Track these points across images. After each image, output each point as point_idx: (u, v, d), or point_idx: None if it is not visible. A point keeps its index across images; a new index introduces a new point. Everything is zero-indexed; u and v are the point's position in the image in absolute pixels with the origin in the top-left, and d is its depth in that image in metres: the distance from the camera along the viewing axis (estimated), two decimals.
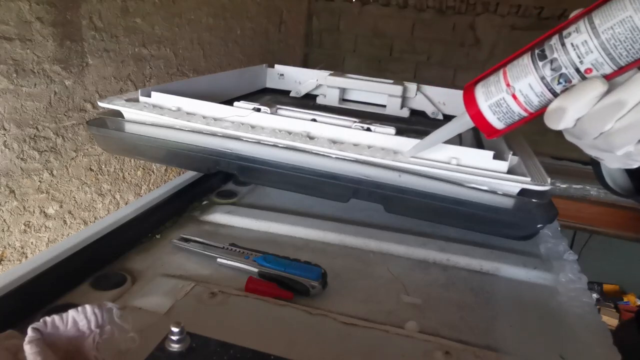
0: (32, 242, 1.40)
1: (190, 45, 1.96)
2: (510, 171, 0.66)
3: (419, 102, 1.26)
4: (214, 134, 0.75)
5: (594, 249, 2.47)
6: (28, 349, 0.37)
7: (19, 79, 1.25)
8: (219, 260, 0.70)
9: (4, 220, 1.30)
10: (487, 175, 0.65)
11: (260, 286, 0.64)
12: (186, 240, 0.75)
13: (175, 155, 0.80)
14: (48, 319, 0.40)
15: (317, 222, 0.86)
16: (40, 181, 1.38)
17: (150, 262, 0.71)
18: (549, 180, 0.65)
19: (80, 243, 0.66)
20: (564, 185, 1.31)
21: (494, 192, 0.65)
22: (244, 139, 0.74)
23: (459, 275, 0.76)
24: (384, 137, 0.71)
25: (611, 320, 2.67)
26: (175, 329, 0.48)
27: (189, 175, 0.97)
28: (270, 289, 0.64)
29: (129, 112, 0.79)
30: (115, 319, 0.43)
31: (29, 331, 0.39)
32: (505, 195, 0.65)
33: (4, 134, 1.24)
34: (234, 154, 0.74)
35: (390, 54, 3.40)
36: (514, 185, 0.64)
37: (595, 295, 2.99)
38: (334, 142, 0.71)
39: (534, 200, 0.64)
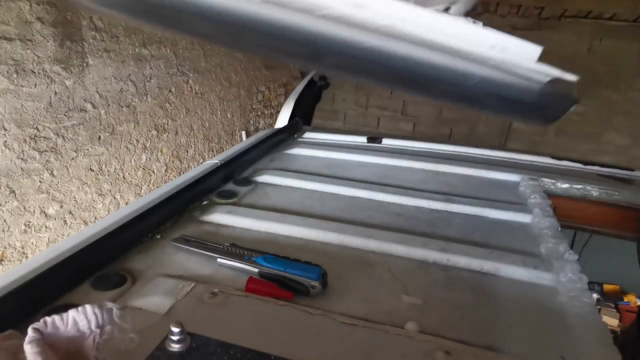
0: (32, 242, 1.40)
1: (190, 45, 1.97)
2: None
3: None
4: None
5: (595, 249, 2.46)
6: (28, 349, 0.37)
7: (20, 79, 1.25)
8: (219, 260, 0.70)
9: (5, 220, 1.30)
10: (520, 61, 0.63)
11: (261, 286, 0.64)
12: (186, 240, 0.75)
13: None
14: (48, 319, 0.40)
15: (317, 222, 0.86)
16: (40, 181, 1.38)
17: (150, 262, 0.71)
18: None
19: (80, 243, 0.66)
20: (565, 185, 1.30)
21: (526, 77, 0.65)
22: None
23: (459, 276, 0.76)
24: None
25: (611, 320, 2.67)
26: (175, 329, 0.48)
27: (189, 175, 0.97)
28: (271, 289, 0.64)
29: None
30: (116, 319, 0.43)
31: (30, 331, 0.39)
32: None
33: (5, 134, 1.24)
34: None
35: None
36: (545, 74, 0.64)
37: (595, 296, 2.99)
38: None
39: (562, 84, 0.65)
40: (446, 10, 0.78)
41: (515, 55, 0.65)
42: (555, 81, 0.65)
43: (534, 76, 0.65)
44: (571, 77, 0.63)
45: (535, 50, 0.65)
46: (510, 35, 0.67)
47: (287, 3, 0.62)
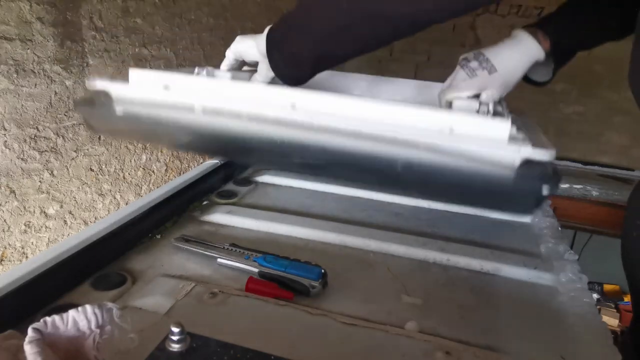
0: (32, 242, 1.40)
1: (190, 46, 1.96)
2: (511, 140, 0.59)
3: None
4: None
5: (594, 249, 2.46)
6: (28, 349, 0.37)
7: (20, 79, 1.25)
8: (219, 260, 0.70)
9: (5, 220, 1.30)
10: (485, 143, 0.58)
11: (261, 286, 0.64)
12: (186, 240, 0.75)
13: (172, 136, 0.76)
14: (48, 319, 0.40)
15: (317, 222, 0.86)
16: (40, 181, 1.38)
17: (150, 262, 0.71)
18: (554, 150, 0.61)
19: (80, 243, 0.66)
20: (565, 185, 1.31)
21: (492, 163, 0.60)
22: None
23: (459, 275, 0.76)
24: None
25: (611, 320, 2.67)
26: (175, 329, 0.48)
27: (189, 175, 0.97)
28: (271, 289, 0.64)
29: (119, 92, 0.73)
30: (116, 319, 0.43)
31: (30, 331, 0.39)
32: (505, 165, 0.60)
33: (5, 134, 1.24)
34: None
35: (391, 54, 3.40)
36: (514, 156, 0.60)
37: (595, 296, 2.98)
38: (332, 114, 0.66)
39: (538, 167, 0.60)
40: (477, 96, 0.78)
41: (477, 137, 0.59)
42: (530, 163, 0.58)
43: (503, 159, 0.58)
44: (546, 155, 0.57)
45: (504, 127, 0.59)
46: (476, 115, 0.63)
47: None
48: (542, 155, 0.57)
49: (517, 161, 0.59)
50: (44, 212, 1.42)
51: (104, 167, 1.61)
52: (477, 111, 0.75)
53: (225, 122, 0.66)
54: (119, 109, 0.71)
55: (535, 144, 0.60)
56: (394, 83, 1.17)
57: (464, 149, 0.59)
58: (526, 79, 0.84)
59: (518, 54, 0.76)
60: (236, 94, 0.69)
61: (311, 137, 0.63)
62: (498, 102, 0.78)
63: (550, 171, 0.58)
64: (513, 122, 0.62)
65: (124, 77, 0.76)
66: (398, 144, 0.61)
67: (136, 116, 0.71)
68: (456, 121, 0.60)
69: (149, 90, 0.71)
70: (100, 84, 0.73)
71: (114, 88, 0.73)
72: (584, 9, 0.82)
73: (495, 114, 0.75)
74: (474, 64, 0.77)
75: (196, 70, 0.90)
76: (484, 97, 0.77)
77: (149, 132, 0.76)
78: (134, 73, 0.74)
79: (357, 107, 0.63)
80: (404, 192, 0.78)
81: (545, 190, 0.58)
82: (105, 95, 0.74)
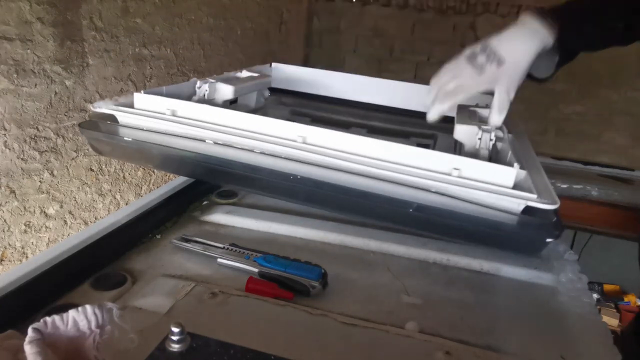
0: (32, 242, 1.40)
1: (190, 46, 1.96)
2: (516, 186, 0.61)
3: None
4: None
5: (595, 249, 2.46)
6: (28, 349, 0.37)
7: (20, 79, 1.25)
8: (219, 260, 0.70)
9: (5, 220, 1.30)
10: (490, 190, 0.59)
11: (261, 286, 0.64)
12: (186, 240, 0.75)
13: (173, 162, 0.78)
14: (48, 319, 0.41)
15: (317, 222, 0.86)
16: (40, 181, 1.38)
17: (151, 262, 0.71)
18: (557, 199, 0.59)
19: (80, 243, 0.66)
20: (564, 185, 1.30)
21: (496, 209, 0.60)
22: (243, 147, 0.70)
23: (460, 275, 0.76)
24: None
25: (611, 320, 2.67)
26: (175, 329, 0.48)
27: None
28: (271, 289, 0.64)
29: (124, 117, 0.76)
30: (116, 319, 0.43)
31: (30, 331, 0.39)
32: (508, 212, 0.60)
33: (5, 134, 1.24)
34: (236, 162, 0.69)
35: (391, 54, 3.40)
36: (518, 202, 0.59)
37: (595, 296, 2.98)
38: (343, 151, 0.68)
39: (539, 218, 0.59)
40: (481, 121, 0.78)
41: (483, 182, 0.60)
42: (533, 210, 0.59)
43: (507, 206, 0.60)
44: (549, 206, 0.57)
45: (510, 175, 0.61)
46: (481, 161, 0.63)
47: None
48: (545, 204, 0.58)
49: (520, 207, 0.60)
50: (44, 212, 1.42)
51: (104, 167, 1.61)
52: (480, 138, 0.74)
53: (234, 153, 0.69)
54: (125, 135, 0.73)
55: (540, 189, 0.61)
56: (392, 87, 1.17)
57: (470, 193, 0.61)
58: (527, 74, 0.83)
59: (525, 40, 0.72)
60: (243, 125, 0.71)
61: (322, 174, 0.65)
62: (499, 128, 0.77)
63: (552, 219, 0.58)
64: (517, 161, 0.63)
65: (126, 94, 0.78)
66: (409, 187, 0.63)
67: (143, 143, 0.72)
68: (464, 165, 0.62)
69: (156, 117, 0.73)
70: (105, 107, 0.73)
71: (119, 113, 0.75)
72: (590, 5, 0.82)
73: (497, 139, 0.76)
74: (481, 59, 0.74)
75: (198, 83, 0.90)
76: (486, 126, 0.76)
77: (155, 159, 0.77)
78: (139, 97, 0.75)
79: (369, 146, 0.66)
80: (408, 229, 0.81)
81: (547, 238, 0.58)
82: (110, 120, 0.76)
